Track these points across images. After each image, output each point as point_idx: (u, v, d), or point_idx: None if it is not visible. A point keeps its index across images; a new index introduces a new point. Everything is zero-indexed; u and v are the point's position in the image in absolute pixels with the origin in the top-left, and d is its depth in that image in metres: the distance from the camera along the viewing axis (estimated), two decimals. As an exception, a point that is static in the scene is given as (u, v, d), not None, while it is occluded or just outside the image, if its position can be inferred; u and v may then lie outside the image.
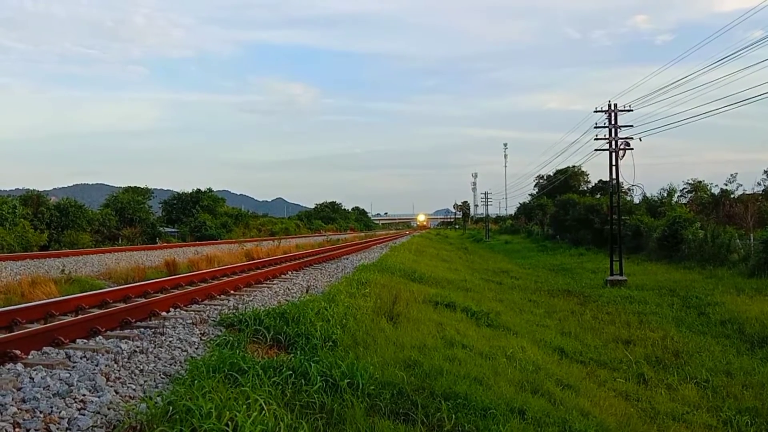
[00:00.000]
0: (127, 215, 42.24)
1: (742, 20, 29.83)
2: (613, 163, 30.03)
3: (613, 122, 29.79)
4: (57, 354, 6.95)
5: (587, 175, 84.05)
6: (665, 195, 48.65)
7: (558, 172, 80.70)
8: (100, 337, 8.08)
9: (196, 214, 52.34)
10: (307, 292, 13.43)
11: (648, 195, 49.18)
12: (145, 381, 6.18)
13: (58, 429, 4.80)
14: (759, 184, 41.92)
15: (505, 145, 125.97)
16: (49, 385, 5.63)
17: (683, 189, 49.35)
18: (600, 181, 76.02)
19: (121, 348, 7.16)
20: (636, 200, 49.37)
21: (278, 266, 19.64)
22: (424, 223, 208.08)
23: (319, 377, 6.55)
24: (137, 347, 7.28)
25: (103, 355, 6.84)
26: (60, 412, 5.05)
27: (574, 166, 73.38)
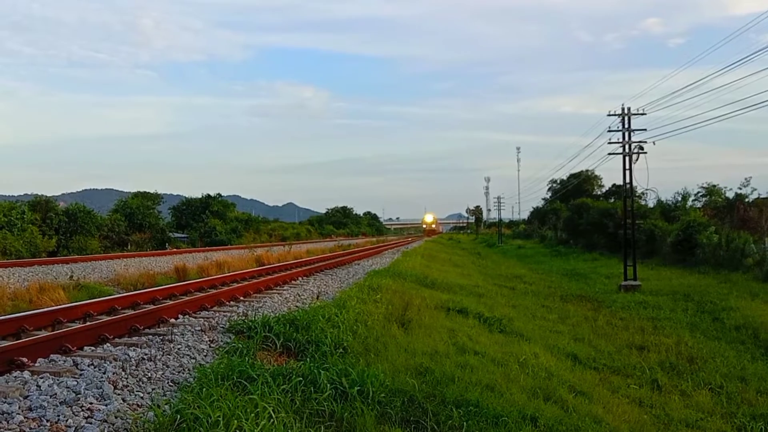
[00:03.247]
0: (137, 220, 42.17)
1: (755, 23, 29.72)
2: (627, 167, 29.93)
3: (626, 126, 29.68)
4: (64, 361, 6.89)
5: (601, 179, 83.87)
6: (680, 199, 48.36)
7: (571, 176, 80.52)
8: (108, 344, 8.02)
9: (206, 219, 52.35)
10: (317, 298, 13.38)
11: (662, 199, 48.94)
12: (153, 389, 6.13)
13: (64, 438, 4.75)
14: (773, 187, 41.54)
15: (518, 149, 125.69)
16: (56, 393, 5.58)
17: (697, 193, 49.04)
18: (614, 185, 75.75)
19: (129, 355, 7.11)
20: (650, 204, 49.12)
21: (289, 272, 19.59)
22: (433, 226, 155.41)
23: (329, 385, 6.49)
24: (145, 354, 7.22)
25: (110, 362, 6.78)
26: (67, 421, 5.00)
27: (587, 170, 73.15)
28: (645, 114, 29.98)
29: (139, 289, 15.02)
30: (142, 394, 5.92)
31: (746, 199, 40.72)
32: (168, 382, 6.39)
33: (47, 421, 4.98)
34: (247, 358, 7.12)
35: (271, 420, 5.35)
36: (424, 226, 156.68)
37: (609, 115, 30.35)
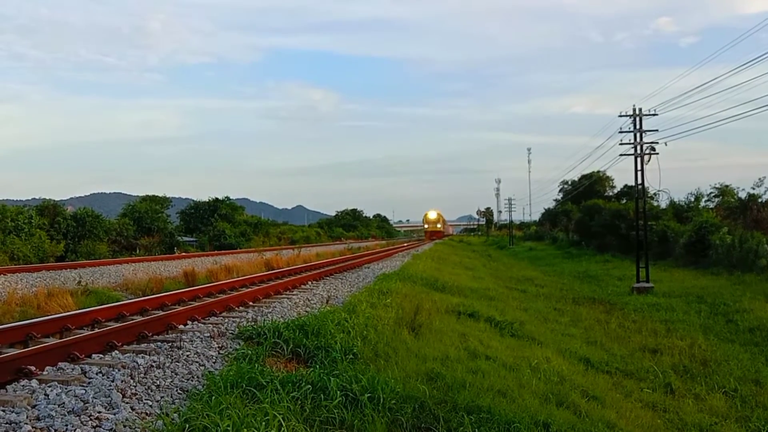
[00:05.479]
0: (145, 224, 42.13)
1: (767, 23, 29.45)
2: (639, 168, 29.75)
3: (638, 127, 29.52)
4: (72, 370, 6.85)
5: (612, 179, 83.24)
6: (692, 200, 48.05)
7: (583, 177, 79.99)
8: (117, 351, 8.00)
9: (215, 222, 52.34)
10: (327, 302, 13.32)
11: (675, 200, 48.64)
12: (161, 397, 6.09)
13: (72, 448, 4.72)
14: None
15: (529, 150, 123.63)
16: (64, 402, 5.55)
17: (710, 193, 48.69)
18: (625, 186, 75.08)
19: (137, 363, 7.07)
20: (663, 205, 48.82)
21: (298, 276, 19.55)
22: (438, 226, 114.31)
23: (338, 391, 6.44)
24: (154, 362, 7.18)
25: (119, 370, 6.75)
26: (75, 430, 4.97)
27: (599, 171, 72.67)
28: (657, 114, 29.83)
29: (148, 295, 15.03)
30: (150, 403, 5.88)
31: (759, 200, 40.42)
32: (177, 390, 6.35)
33: (55, 430, 4.96)
34: (256, 365, 7.07)
35: (281, 428, 5.31)
36: (426, 226, 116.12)
37: (620, 116, 30.17)
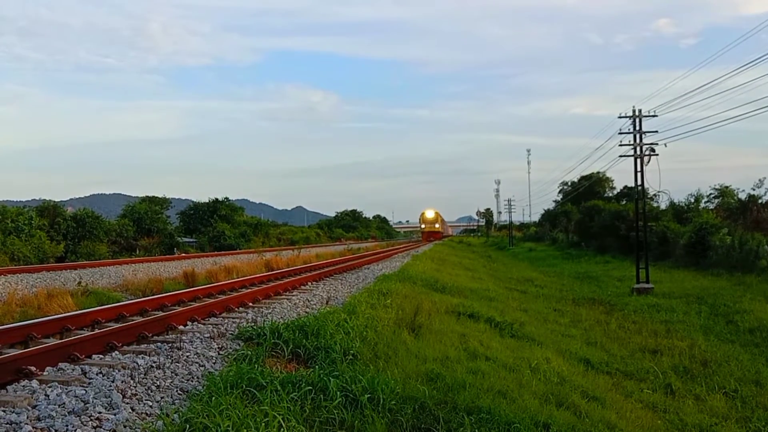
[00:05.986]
0: (145, 225, 42.15)
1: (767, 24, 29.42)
2: (638, 169, 29.74)
3: (637, 128, 29.51)
4: (73, 370, 6.86)
5: (612, 181, 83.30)
6: (692, 201, 48.02)
7: (582, 178, 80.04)
8: (117, 352, 8.00)
9: (215, 223, 52.32)
10: (327, 303, 13.31)
11: (675, 201, 48.63)
12: (161, 397, 6.10)
13: (73, 448, 4.72)
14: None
15: (528, 151, 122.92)
16: (64, 403, 5.56)
17: (710, 194, 48.67)
18: (625, 187, 75.08)
19: (137, 363, 7.08)
20: (662, 206, 48.79)
21: (298, 277, 19.56)
22: (436, 225, 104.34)
23: (338, 392, 6.44)
24: (154, 362, 7.18)
25: (119, 371, 6.76)
26: (75, 431, 4.97)
27: (598, 172, 72.70)
28: (656, 116, 29.81)
29: (148, 295, 15.03)
30: (150, 403, 5.89)
31: (759, 200, 40.42)
32: (177, 391, 6.36)
33: (56, 431, 4.96)
34: (256, 366, 7.07)
35: (281, 429, 5.31)
36: (423, 226, 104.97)
37: (620, 117, 30.16)
